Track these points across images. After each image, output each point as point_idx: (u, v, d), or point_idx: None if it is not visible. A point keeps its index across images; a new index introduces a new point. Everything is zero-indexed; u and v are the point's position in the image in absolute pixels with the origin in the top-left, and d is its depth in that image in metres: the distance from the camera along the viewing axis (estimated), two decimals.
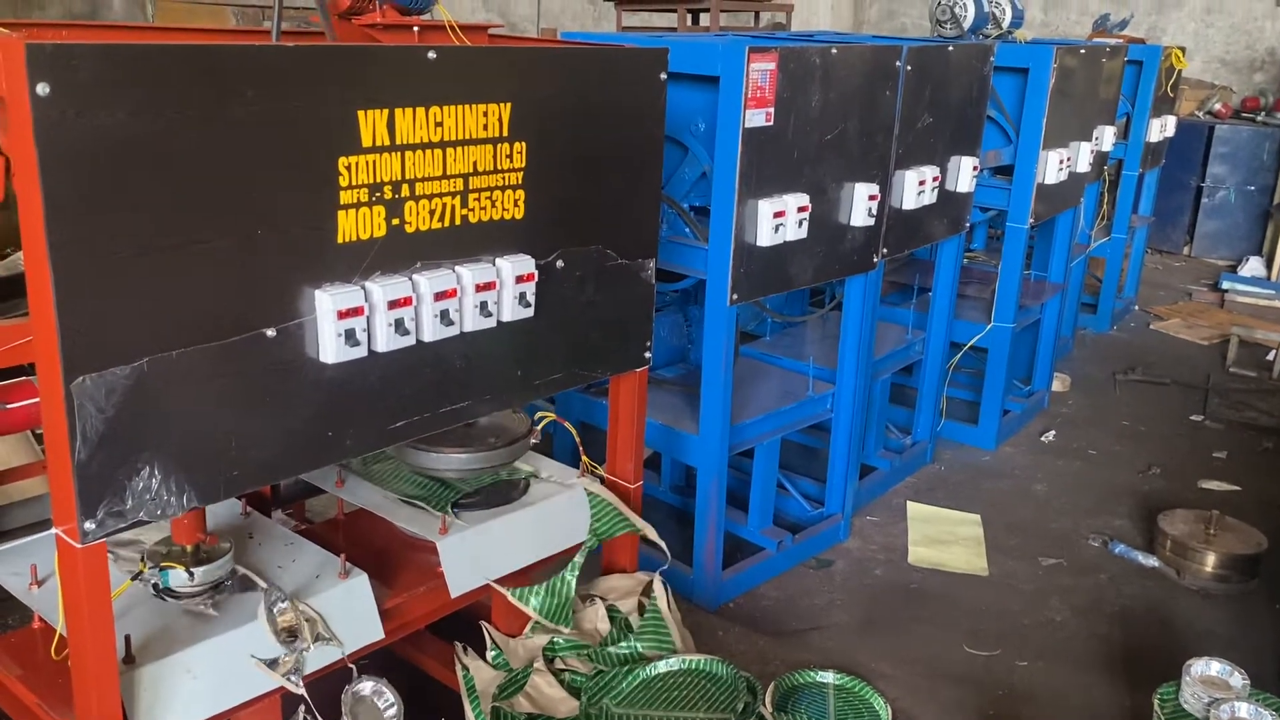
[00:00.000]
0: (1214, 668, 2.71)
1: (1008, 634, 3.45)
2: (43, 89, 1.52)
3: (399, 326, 2.02)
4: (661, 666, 2.59)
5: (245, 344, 1.84)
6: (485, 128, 2.13)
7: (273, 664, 2.07)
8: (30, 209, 1.57)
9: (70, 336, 1.62)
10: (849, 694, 2.99)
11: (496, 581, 2.51)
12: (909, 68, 3.55)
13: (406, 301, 2.02)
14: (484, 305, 2.16)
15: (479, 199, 2.16)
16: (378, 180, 1.97)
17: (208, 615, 2.11)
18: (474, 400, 2.27)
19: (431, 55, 2.01)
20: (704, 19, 8.05)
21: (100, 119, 1.58)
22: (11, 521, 3.02)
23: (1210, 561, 3.77)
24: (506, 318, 2.23)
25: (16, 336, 1.90)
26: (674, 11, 8.05)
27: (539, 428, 2.70)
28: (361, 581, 2.29)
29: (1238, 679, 2.67)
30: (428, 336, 2.08)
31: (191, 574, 2.10)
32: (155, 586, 2.15)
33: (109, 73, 1.58)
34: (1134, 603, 3.69)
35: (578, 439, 2.79)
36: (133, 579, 2.11)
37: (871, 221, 3.49)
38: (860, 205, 3.43)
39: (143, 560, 2.13)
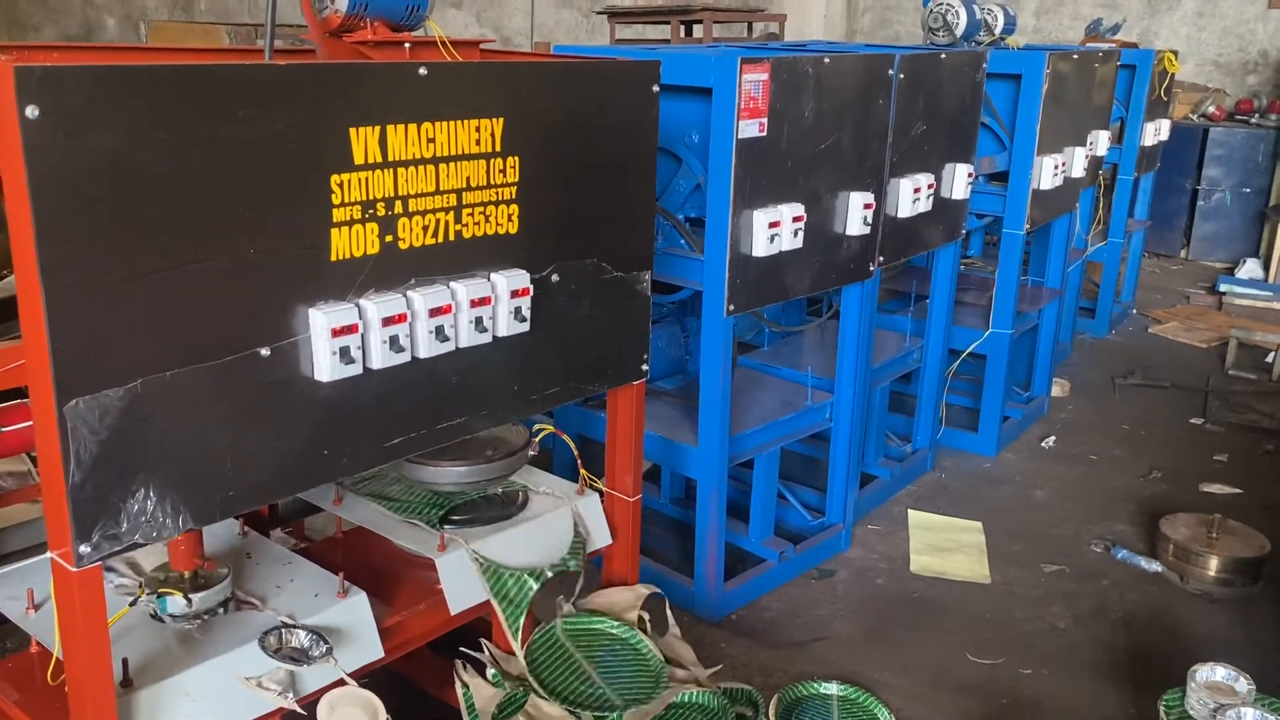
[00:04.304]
0: (1219, 673, 2.69)
1: (1011, 642, 3.44)
2: (32, 112, 1.51)
3: (394, 343, 2.01)
4: None
5: (239, 364, 1.83)
6: (478, 143, 2.13)
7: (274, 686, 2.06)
8: (21, 231, 1.57)
9: (62, 359, 1.61)
10: (853, 705, 2.97)
11: None
12: (902, 76, 3.55)
13: (401, 318, 2.01)
14: (479, 320, 2.16)
15: (473, 214, 2.15)
16: (370, 197, 1.96)
17: (202, 638, 2.10)
18: (470, 416, 2.26)
19: (423, 72, 2.01)
20: (697, 30, 8.06)
21: (91, 141, 1.58)
22: (8, 545, 3.00)
23: (1213, 565, 3.76)
24: (502, 333, 2.22)
25: (11, 359, 1.90)
26: (667, 24, 8.07)
27: (536, 440, 2.70)
28: (360, 600, 2.27)
29: (1243, 684, 2.66)
30: (423, 353, 2.08)
31: (189, 600, 2.09)
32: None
33: (99, 95, 1.58)
34: (1137, 608, 3.67)
35: (576, 452, 2.78)
36: (130, 605, 2.10)
37: (867, 230, 3.49)
38: (855, 214, 3.43)
39: (140, 587, 2.12)
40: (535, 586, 2.51)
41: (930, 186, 3.86)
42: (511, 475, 2.67)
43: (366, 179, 1.95)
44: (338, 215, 1.92)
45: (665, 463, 3.71)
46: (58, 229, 1.57)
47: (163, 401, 1.74)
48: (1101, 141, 5.37)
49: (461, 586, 2.42)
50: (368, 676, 2.24)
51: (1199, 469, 4.82)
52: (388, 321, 1.99)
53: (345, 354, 1.93)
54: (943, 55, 3.90)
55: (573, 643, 2.56)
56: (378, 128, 1.94)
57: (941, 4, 4.77)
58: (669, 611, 2.85)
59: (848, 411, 3.84)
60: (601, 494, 2.80)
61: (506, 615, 2.45)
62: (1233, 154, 8.91)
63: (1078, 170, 4.94)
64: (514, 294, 2.21)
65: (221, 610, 2.15)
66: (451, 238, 2.12)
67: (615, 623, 2.65)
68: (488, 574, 2.45)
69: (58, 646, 1.86)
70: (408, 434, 2.14)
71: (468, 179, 2.12)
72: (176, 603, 2.08)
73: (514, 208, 2.23)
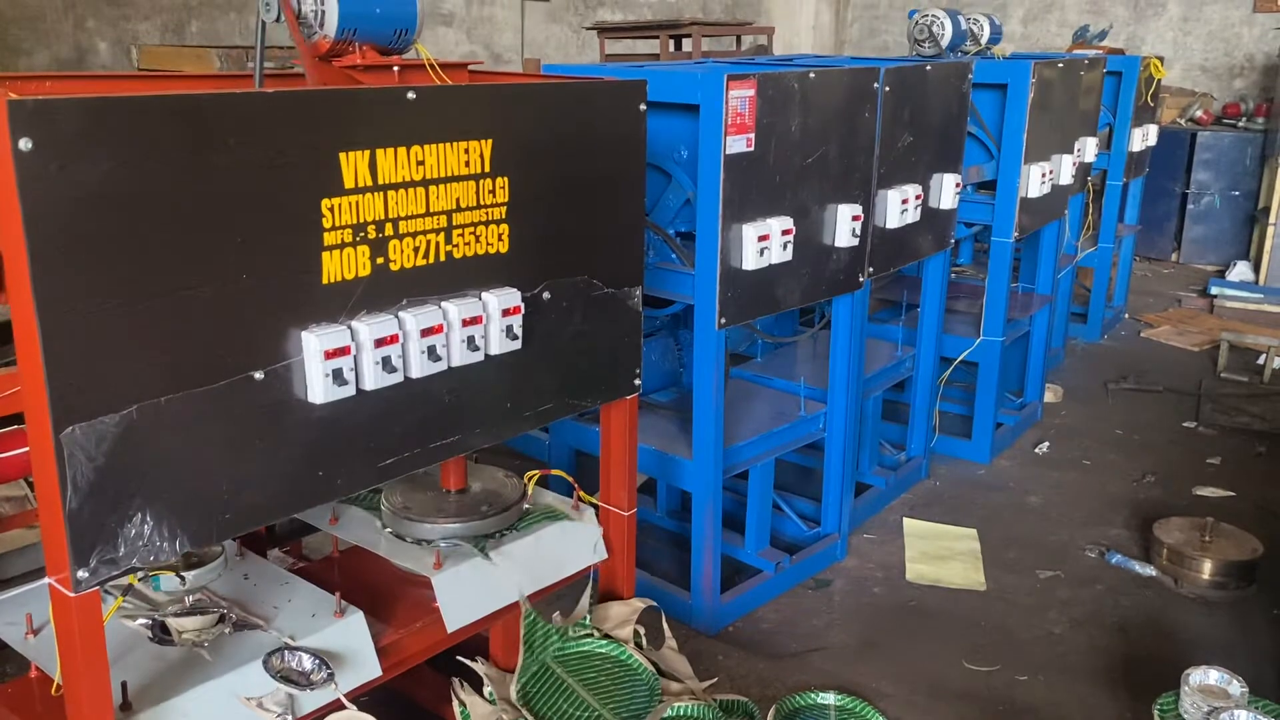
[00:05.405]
0: (1212, 676, 2.71)
1: (1007, 648, 3.45)
2: (25, 144, 1.53)
3: (386, 364, 2.03)
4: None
5: (233, 388, 1.85)
6: (467, 164, 2.15)
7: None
8: (15, 263, 1.59)
9: (58, 387, 1.63)
10: (850, 714, 2.99)
11: (492, 615, 2.51)
12: (887, 88, 3.58)
13: (393, 339, 2.04)
14: (471, 340, 2.18)
15: (463, 235, 2.18)
16: (361, 220, 1.99)
17: (205, 659, 2.11)
18: (464, 434, 2.28)
19: (411, 96, 2.03)
20: (686, 44, 8.10)
21: (83, 172, 1.60)
22: (6, 570, 3.02)
23: (1207, 569, 3.78)
24: (494, 351, 2.25)
25: (6, 386, 1.92)
26: (656, 38, 8.10)
27: (530, 491, 2.72)
28: (358, 619, 2.29)
29: (1236, 687, 2.67)
30: (415, 373, 2.10)
31: (183, 579, 2.10)
32: (152, 631, 2.16)
33: (91, 126, 1.60)
34: (1132, 613, 3.69)
35: (573, 483, 2.79)
36: (123, 594, 2.11)
37: (856, 241, 3.52)
38: (844, 226, 3.46)
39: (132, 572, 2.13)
40: (557, 643, 2.59)
41: (918, 197, 3.89)
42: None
43: (357, 203, 1.97)
44: (329, 239, 1.94)
45: (660, 476, 3.73)
46: (52, 259, 1.60)
47: (158, 427, 1.76)
48: (1089, 148, 5.41)
49: (458, 604, 2.44)
50: (366, 694, 2.26)
51: (1192, 472, 4.84)
52: (380, 343, 2.01)
53: (338, 376, 1.95)
54: (928, 67, 3.93)
55: (563, 668, 2.57)
56: (367, 152, 1.97)
57: (927, 15, 4.81)
58: (665, 624, 2.87)
59: (841, 421, 3.86)
60: (597, 509, 2.82)
61: (525, 659, 2.51)
62: (1221, 158, 8.96)
63: (1065, 177, 4.97)
64: (505, 312, 2.23)
65: (221, 627, 2.17)
66: (442, 258, 2.15)
67: (603, 641, 2.67)
68: (526, 619, 2.52)
69: (57, 671, 1.87)
70: (402, 453, 2.16)
71: (457, 200, 2.15)
72: (170, 580, 2.09)
73: (504, 227, 2.25)
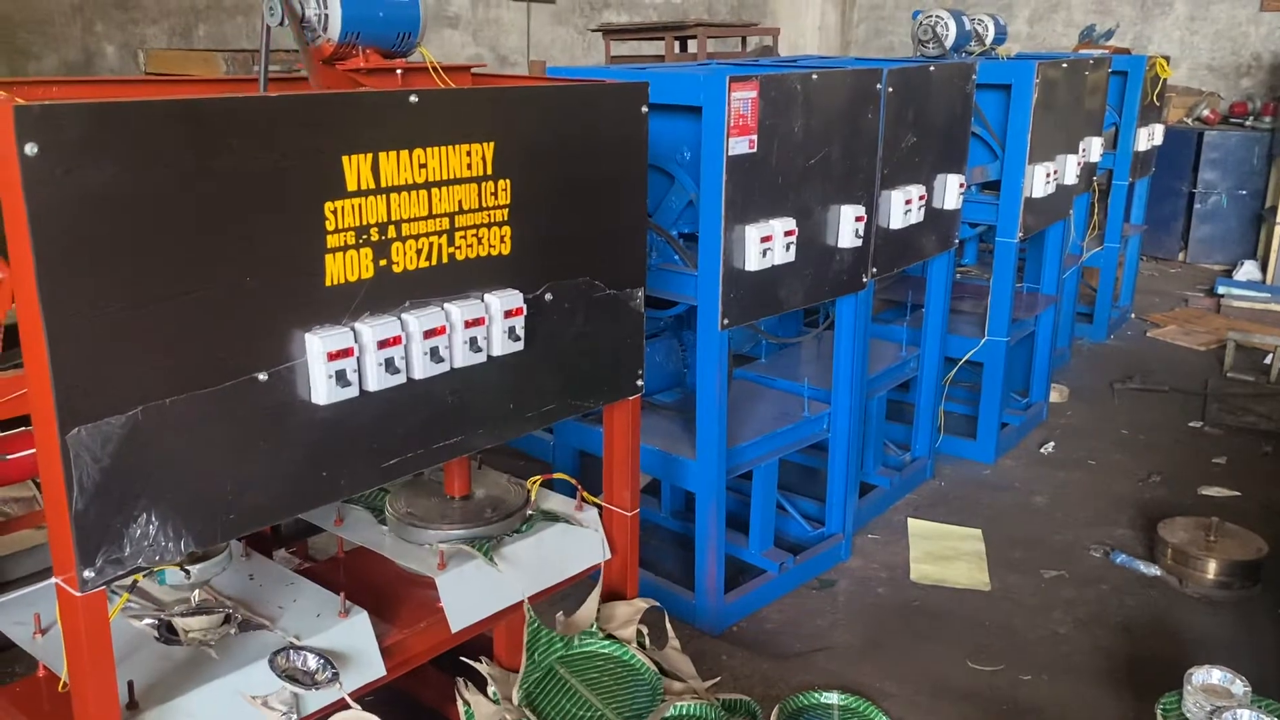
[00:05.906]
0: (1215, 675, 2.71)
1: (1011, 649, 3.46)
2: (31, 149, 1.55)
3: (389, 365, 2.04)
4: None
5: (237, 389, 1.87)
6: (469, 167, 2.17)
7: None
8: (22, 266, 1.61)
9: (64, 389, 1.65)
10: (854, 714, 3.00)
11: (496, 615, 2.52)
12: (890, 89, 3.59)
13: (396, 340, 2.05)
14: (473, 341, 2.19)
15: (465, 237, 2.19)
16: (364, 223, 2.00)
17: (210, 658, 2.13)
18: (467, 435, 2.30)
19: (413, 99, 2.05)
20: (692, 46, 8.11)
21: (89, 176, 1.62)
22: (15, 571, 3.04)
23: (1211, 569, 3.77)
24: (497, 352, 2.26)
25: (13, 389, 1.94)
26: (661, 40, 8.11)
27: (533, 496, 2.73)
28: (362, 619, 2.30)
29: (1239, 686, 2.68)
30: (418, 374, 2.11)
31: (188, 573, 2.12)
32: (159, 630, 2.18)
33: (96, 131, 1.62)
34: (1136, 612, 3.69)
35: (576, 484, 2.80)
36: (128, 592, 2.13)
37: (859, 242, 3.52)
38: (847, 227, 3.46)
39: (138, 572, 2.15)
40: (560, 649, 2.60)
41: (921, 198, 3.89)
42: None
43: (360, 205, 1.99)
44: (332, 241, 1.96)
45: (664, 476, 3.74)
46: (58, 262, 1.61)
47: (163, 428, 1.78)
48: (1095, 148, 5.41)
49: (462, 604, 2.45)
50: (370, 694, 2.27)
51: (1198, 472, 4.84)
52: (383, 344, 2.03)
53: (341, 377, 1.97)
54: (931, 67, 3.94)
55: (566, 668, 2.59)
56: (370, 155, 1.98)
57: (930, 16, 4.81)
58: (668, 624, 2.87)
59: (845, 421, 3.87)
60: (600, 509, 2.83)
61: (527, 666, 2.53)
62: (1228, 157, 8.94)
63: (1070, 177, 4.97)
64: (508, 314, 2.25)
65: (227, 627, 2.19)
66: (445, 260, 2.16)
67: (606, 641, 2.68)
68: (529, 626, 2.54)
69: (65, 670, 1.89)
70: (405, 454, 2.17)
71: (460, 202, 2.16)
72: (175, 574, 2.11)
73: (506, 229, 2.27)
